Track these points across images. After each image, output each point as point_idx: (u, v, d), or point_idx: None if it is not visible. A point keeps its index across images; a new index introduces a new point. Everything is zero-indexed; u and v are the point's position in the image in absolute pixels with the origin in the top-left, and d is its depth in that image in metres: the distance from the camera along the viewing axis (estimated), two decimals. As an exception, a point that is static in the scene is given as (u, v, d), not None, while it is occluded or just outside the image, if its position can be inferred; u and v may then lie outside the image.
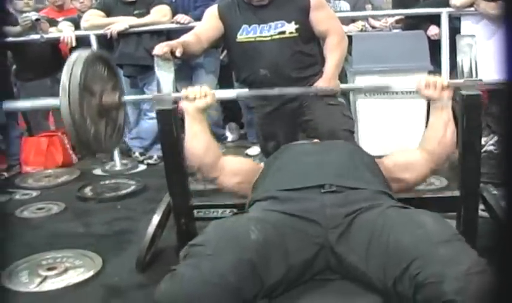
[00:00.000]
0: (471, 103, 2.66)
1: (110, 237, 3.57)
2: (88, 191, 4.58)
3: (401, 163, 2.50)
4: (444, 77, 2.44)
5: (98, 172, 5.18)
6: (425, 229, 1.84)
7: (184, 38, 3.14)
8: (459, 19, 4.89)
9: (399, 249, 1.82)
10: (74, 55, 2.39)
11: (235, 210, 2.83)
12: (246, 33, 3.19)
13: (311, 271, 2.01)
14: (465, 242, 1.85)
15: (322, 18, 3.22)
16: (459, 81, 2.65)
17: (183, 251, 1.90)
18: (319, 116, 3.20)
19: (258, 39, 3.18)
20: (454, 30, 4.77)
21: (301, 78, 3.24)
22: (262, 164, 2.59)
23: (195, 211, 2.93)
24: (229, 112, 5.94)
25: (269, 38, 3.17)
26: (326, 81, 3.21)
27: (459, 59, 2.75)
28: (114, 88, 2.62)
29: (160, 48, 2.81)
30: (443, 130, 2.44)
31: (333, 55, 3.24)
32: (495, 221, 2.80)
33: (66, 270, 3.04)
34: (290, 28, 3.17)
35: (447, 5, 4.78)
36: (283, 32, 3.17)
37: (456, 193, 2.83)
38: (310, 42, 3.26)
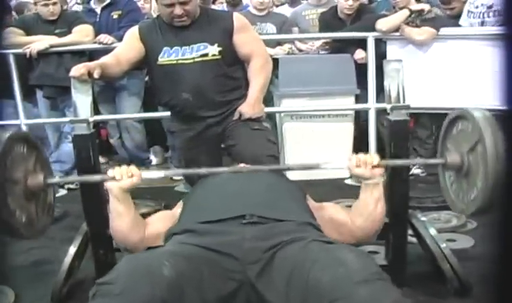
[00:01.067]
0: (399, 128, 2.64)
1: (25, 268, 3.37)
2: (4, 218, 4.30)
3: (335, 222, 2.37)
4: (374, 155, 2.36)
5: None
6: (346, 267, 1.77)
7: (104, 59, 3.02)
8: (385, 43, 4.95)
9: (319, 288, 1.74)
10: None
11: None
12: (168, 56, 3.09)
13: None
14: (388, 280, 1.79)
15: (245, 41, 3.16)
16: (390, 161, 2.58)
17: (92, 290, 1.80)
18: (243, 141, 3.12)
19: (180, 62, 3.09)
20: (381, 54, 4.85)
21: (225, 102, 3.17)
22: (179, 205, 2.49)
23: (114, 242, 2.77)
24: (154, 135, 5.80)
25: (191, 61, 3.09)
26: (250, 105, 3.14)
27: (386, 83, 2.73)
28: (38, 166, 2.47)
29: (77, 70, 2.69)
30: (373, 207, 2.34)
31: (257, 79, 3.18)
32: (424, 248, 2.79)
33: (-26, 306, 2.83)
34: (213, 50, 3.09)
35: (373, 29, 4.84)
36: (205, 54, 3.09)
37: (385, 220, 2.77)
38: (233, 65, 3.19)
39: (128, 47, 3.17)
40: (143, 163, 5.21)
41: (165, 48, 3.09)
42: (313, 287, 1.76)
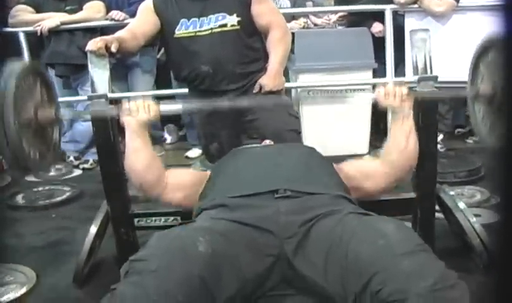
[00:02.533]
0: (427, 100, 2.57)
1: (44, 249, 3.32)
2: (19, 199, 4.28)
3: (362, 171, 2.34)
4: (404, 86, 2.28)
5: (30, 177, 4.84)
6: (387, 239, 1.68)
7: (119, 33, 2.93)
8: (402, 16, 4.85)
9: (359, 262, 1.66)
10: (7, 68, 2.15)
11: (179, 218, 2.65)
12: (186, 28, 3.01)
13: (266, 285, 1.84)
14: (431, 252, 1.69)
15: (263, 12, 3.07)
16: (419, 91, 2.54)
17: (124, 267, 1.70)
18: (263, 116, 3.04)
19: (198, 33, 3.01)
20: (398, 27, 4.77)
21: (245, 74, 3.09)
22: (209, 172, 2.41)
23: (135, 220, 2.73)
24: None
25: (209, 32, 3.01)
26: (270, 78, 3.07)
27: (413, 54, 2.66)
28: (49, 102, 2.39)
29: (94, 44, 2.62)
30: (405, 141, 2.29)
31: (277, 50, 3.10)
32: (452, 223, 2.72)
33: (-5, 287, 2.78)
34: (232, 20, 3.01)
35: (390, 2, 4.74)
36: (224, 25, 3.00)
37: (412, 195, 2.73)
38: (252, 36, 3.10)
39: (143, 21, 3.09)
40: (158, 142, 5.14)
41: (182, 20, 3.01)
42: (352, 261, 1.68)
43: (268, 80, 3.06)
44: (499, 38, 2.09)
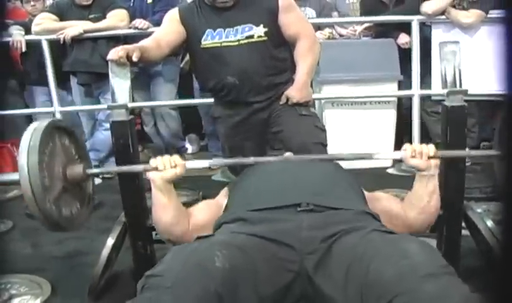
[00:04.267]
0: (456, 115, 2.50)
1: (60, 259, 3.29)
2: (38, 208, 4.22)
3: (389, 213, 2.24)
4: (430, 145, 2.24)
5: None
6: (410, 259, 1.62)
7: (143, 43, 2.89)
8: (429, 27, 4.77)
9: (381, 281, 1.60)
10: (31, 128, 2.15)
11: (197, 232, 2.60)
12: (212, 38, 2.96)
13: (285, 301, 1.79)
14: (455, 275, 1.63)
15: (291, 21, 3.01)
16: (446, 152, 2.45)
17: (140, 283, 1.67)
18: (289, 128, 2.99)
19: (224, 44, 2.96)
20: (424, 39, 4.70)
21: (272, 85, 3.03)
22: (224, 194, 2.37)
23: (153, 233, 2.65)
24: (189, 122, 5.70)
25: (236, 43, 2.95)
26: (298, 89, 3.01)
27: (442, 67, 2.58)
28: (77, 157, 2.39)
29: (115, 53, 2.57)
30: (427, 200, 2.22)
31: (305, 61, 3.03)
32: (479, 241, 2.63)
33: (10, 298, 2.75)
34: (258, 31, 2.95)
35: (417, 13, 4.66)
36: (251, 36, 2.95)
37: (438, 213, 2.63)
38: (280, 46, 3.05)
39: (168, 30, 3.04)
40: (179, 152, 5.09)
41: (208, 31, 2.96)
42: (374, 280, 1.62)
43: (295, 92, 3.01)
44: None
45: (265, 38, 2.97)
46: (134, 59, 2.61)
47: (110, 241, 2.67)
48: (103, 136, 4.86)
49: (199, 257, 1.65)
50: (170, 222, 2.23)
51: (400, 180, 4.23)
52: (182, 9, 3.09)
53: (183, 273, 1.60)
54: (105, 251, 2.66)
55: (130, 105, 2.53)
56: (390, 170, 4.73)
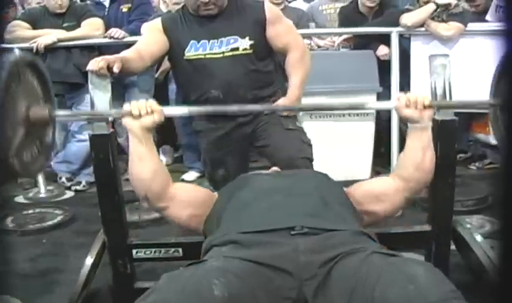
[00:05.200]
0: (446, 128, 2.44)
1: (34, 278, 3.18)
2: (9, 222, 4.12)
3: (372, 193, 2.22)
4: (425, 95, 2.17)
5: (20, 199, 4.72)
6: (416, 284, 1.54)
7: (124, 53, 2.79)
8: (408, 39, 4.75)
9: None
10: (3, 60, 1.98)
11: (180, 250, 2.54)
12: (195, 50, 2.87)
13: None
14: (463, 299, 1.55)
15: (280, 33, 2.94)
16: (442, 101, 2.43)
17: None
18: (276, 142, 2.92)
19: (208, 56, 2.87)
20: (403, 51, 4.69)
21: (258, 99, 2.94)
22: (216, 194, 2.27)
23: (134, 251, 2.57)
24: (163, 133, 5.57)
25: (221, 56, 2.87)
26: (291, 103, 2.92)
27: (432, 80, 2.52)
28: (44, 100, 2.20)
29: (96, 63, 2.47)
30: (421, 154, 2.17)
31: (297, 73, 2.95)
32: (468, 257, 2.59)
33: (-20, 320, 2.62)
34: (244, 44, 2.87)
35: (396, 24, 4.65)
36: (236, 48, 2.87)
37: (426, 227, 2.61)
38: (265, 59, 2.98)
39: (150, 41, 2.94)
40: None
41: (192, 42, 2.87)
42: None
43: (288, 105, 2.94)
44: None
45: (250, 51, 2.89)
46: (116, 70, 2.52)
47: (89, 260, 2.57)
48: (76, 147, 4.75)
49: (196, 286, 1.55)
50: (150, 176, 2.10)
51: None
52: (165, 19, 3.00)
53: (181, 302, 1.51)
54: (84, 270, 2.55)
55: (113, 110, 2.41)
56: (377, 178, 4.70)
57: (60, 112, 2.31)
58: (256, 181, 2.23)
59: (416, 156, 2.17)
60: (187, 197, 2.18)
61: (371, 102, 2.30)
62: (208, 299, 1.51)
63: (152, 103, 2.12)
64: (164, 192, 2.13)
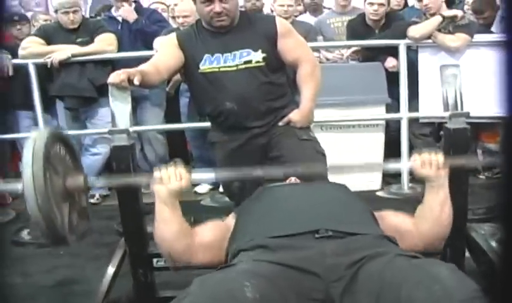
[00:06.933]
0: (459, 137, 2.49)
1: (52, 288, 3.22)
2: (25, 235, 4.16)
3: (399, 230, 2.20)
4: (439, 155, 2.24)
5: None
6: (442, 284, 1.58)
7: (142, 67, 2.84)
8: (415, 51, 4.82)
9: None
10: (33, 137, 2.07)
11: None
12: (210, 63, 2.92)
13: None
14: (484, 298, 1.59)
15: (291, 46, 2.99)
16: (456, 160, 2.41)
17: None
18: (290, 152, 2.94)
19: (222, 69, 2.92)
20: (411, 62, 4.75)
21: (270, 111, 3.00)
22: (232, 217, 2.31)
23: (155, 260, 2.60)
24: (174, 147, 5.63)
25: (234, 68, 2.91)
26: (303, 116, 3.00)
27: (443, 90, 2.58)
28: (75, 168, 2.32)
29: (117, 76, 2.52)
30: (439, 210, 2.21)
31: (308, 86, 3.02)
32: (483, 263, 2.59)
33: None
34: (257, 57, 2.92)
35: (403, 37, 4.72)
36: (249, 61, 2.92)
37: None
38: (278, 71, 3.02)
39: (166, 55, 2.99)
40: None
41: (206, 56, 2.92)
42: None
43: (301, 117, 3.00)
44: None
45: (263, 64, 2.94)
46: (136, 82, 2.57)
47: (110, 269, 2.59)
48: (90, 161, 4.79)
49: (229, 288, 1.59)
50: (173, 237, 2.14)
51: (390, 203, 4.23)
52: (180, 34, 3.06)
53: None
54: (106, 279, 2.57)
55: (134, 128, 2.48)
56: (379, 193, 4.73)
57: (95, 181, 2.46)
58: (278, 191, 2.28)
59: (435, 212, 2.21)
60: (205, 242, 2.20)
61: (390, 164, 2.30)
62: (242, 301, 1.55)
63: (182, 171, 2.18)
64: (187, 251, 2.17)
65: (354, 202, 2.19)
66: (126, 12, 4.90)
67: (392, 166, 2.33)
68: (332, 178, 2.93)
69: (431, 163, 2.19)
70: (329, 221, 1.93)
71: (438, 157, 2.20)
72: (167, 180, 2.15)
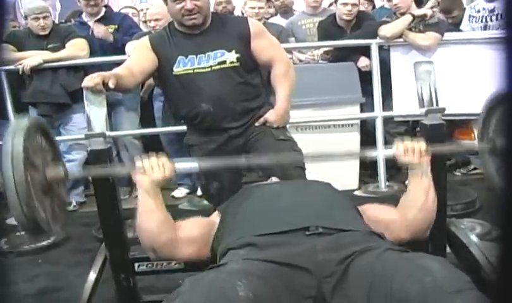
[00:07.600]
0: (436, 133, 2.50)
1: (33, 297, 3.19)
2: (3, 244, 4.11)
3: (383, 220, 2.21)
4: (421, 142, 2.26)
5: (13, 221, 4.63)
6: (433, 276, 1.59)
7: (116, 70, 2.82)
8: (387, 50, 4.87)
9: (408, 300, 1.57)
10: (13, 126, 2.02)
11: (181, 263, 2.50)
12: (184, 65, 2.90)
13: None
14: (476, 289, 1.61)
15: (264, 46, 2.99)
16: (438, 147, 2.43)
17: None
18: (268, 153, 2.91)
19: (196, 71, 2.90)
20: (383, 61, 4.79)
21: (247, 111, 2.99)
22: (216, 215, 2.30)
23: (136, 265, 2.58)
24: (150, 150, 5.58)
25: (209, 69, 2.90)
26: (278, 115, 2.99)
27: (418, 86, 2.60)
28: (54, 159, 2.27)
29: (91, 80, 2.50)
30: (424, 196, 2.21)
31: (283, 86, 3.02)
32: (465, 258, 2.62)
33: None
34: (231, 57, 2.91)
35: (374, 36, 4.77)
36: (223, 62, 2.90)
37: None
38: (252, 72, 3.01)
39: (140, 58, 2.96)
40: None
41: (180, 58, 2.90)
42: (400, 299, 1.59)
43: (277, 117, 3.00)
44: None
45: (238, 64, 2.93)
46: (111, 85, 2.54)
47: (92, 275, 2.56)
48: (67, 167, 4.74)
49: (221, 288, 1.58)
50: (156, 229, 2.10)
51: (368, 202, 4.23)
52: (152, 37, 3.04)
53: None
54: (88, 285, 2.54)
55: (110, 132, 2.46)
56: (357, 192, 4.76)
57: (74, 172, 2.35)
58: (262, 190, 2.28)
59: (419, 198, 2.22)
60: (188, 236, 2.16)
61: (372, 151, 2.33)
62: (234, 300, 1.54)
63: (164, 160, 2.16)
64: (170, 243, 2.13)
65: (340, 199, 2.20)
66: (102, 34, 4.86)
67: (370, 154, 2.31)
68: (309, 178, 2.95)
69: (414, 150, 2.21)
70: (319, 218, 1.93)
71: (421, 144, 2.23)
72: (150, 170, 2.12)
